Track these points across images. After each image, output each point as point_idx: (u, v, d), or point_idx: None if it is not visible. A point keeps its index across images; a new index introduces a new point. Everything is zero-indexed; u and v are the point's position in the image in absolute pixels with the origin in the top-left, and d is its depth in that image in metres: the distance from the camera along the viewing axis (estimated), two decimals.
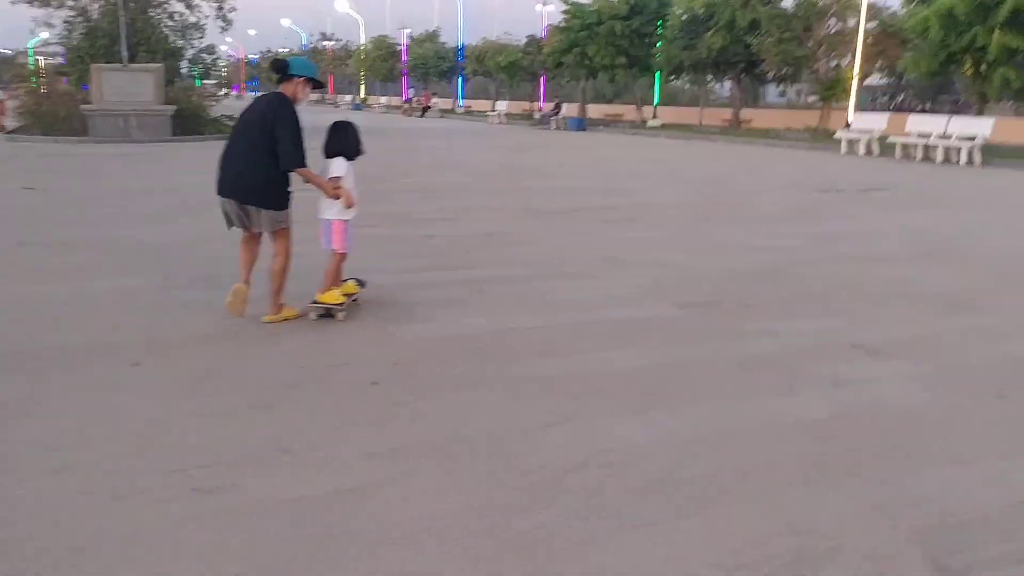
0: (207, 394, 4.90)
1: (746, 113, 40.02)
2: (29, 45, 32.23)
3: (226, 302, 6.23)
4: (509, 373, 5.35)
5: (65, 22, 31.24)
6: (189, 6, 33.37)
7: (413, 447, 4.22)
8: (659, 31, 38.97)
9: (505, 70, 53.25)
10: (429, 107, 56.32)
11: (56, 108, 28.20)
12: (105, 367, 5.33)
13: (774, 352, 5.87)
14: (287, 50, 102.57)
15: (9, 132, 28.15)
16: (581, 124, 40.47)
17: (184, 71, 31.14)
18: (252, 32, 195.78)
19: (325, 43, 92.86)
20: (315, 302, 6.44)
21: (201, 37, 34.39)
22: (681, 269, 8.65)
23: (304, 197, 6.59)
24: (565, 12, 41.67)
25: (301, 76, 6.19)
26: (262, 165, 6.02)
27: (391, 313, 6.71)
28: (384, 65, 73.15)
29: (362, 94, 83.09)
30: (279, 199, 6.18)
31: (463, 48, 61.81)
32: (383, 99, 71.23)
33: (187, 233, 10.16)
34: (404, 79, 71.05)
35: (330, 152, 6.38)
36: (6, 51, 77.63)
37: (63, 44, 31.06)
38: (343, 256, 6.54)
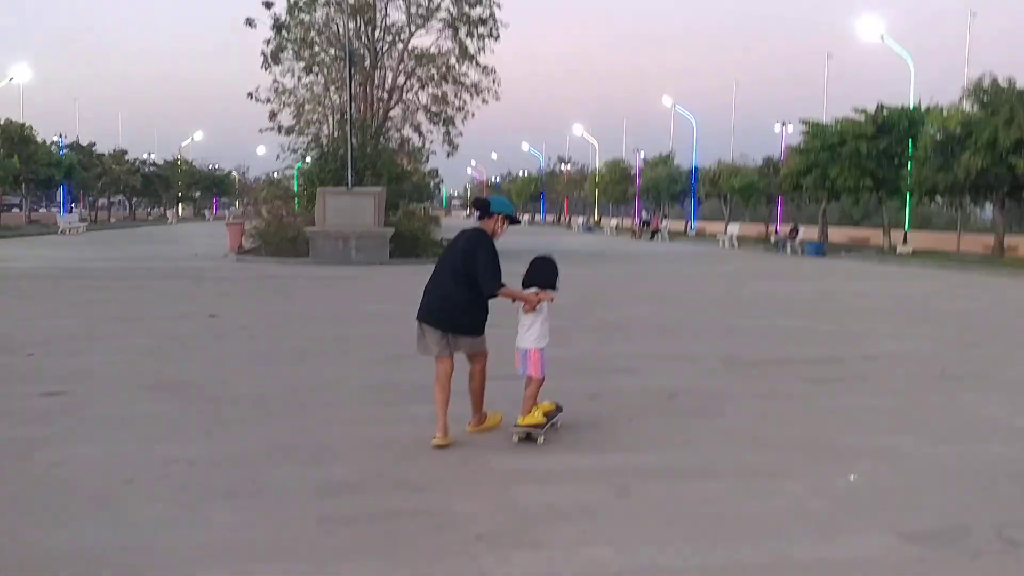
0: None
1: (1011, 240, 35.60)
2: (297, 166, 33.73)
3: (434, 444, 6.58)
4: None
5: (293, 149, 32.63)
6: (419, 132, 34.08)
7: None
8: (909, 152, 35.71)
9: (739, 192, 51.14)
10: (658, 230, 54.91)
11: (284, 231, 29.05)
12: None
13: None
14: (525, 173, 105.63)
15: (240, 253, 29.23)
16: (820, 249, 37.49)
17: (409, 194, 31.41)
18: (494, 156, 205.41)
19: (562, 166, 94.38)
20: (517, 425, 6.79)
21: (425, 161, 34.94)
22: (912, 465, 6.37)
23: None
24: (805, 132, 39.32)
25: (500, 213, 6.89)
26: (463, 295, 6.66)
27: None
28: (617, 188, 72.91)
29: (595, 216, 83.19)
30: (476, 325, 6.83)
31: (696, 170, 60.35)
32: (613, 221, 70.60)
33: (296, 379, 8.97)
34: (636, 201, 70.35)
35: (527, 284, 6.88)
36: (258, 175, 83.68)
37: (298, 170, 32.32)
38: (541, 381, 6.92)
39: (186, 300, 16.67)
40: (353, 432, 7.04)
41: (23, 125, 53.43)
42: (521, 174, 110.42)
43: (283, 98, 34.49)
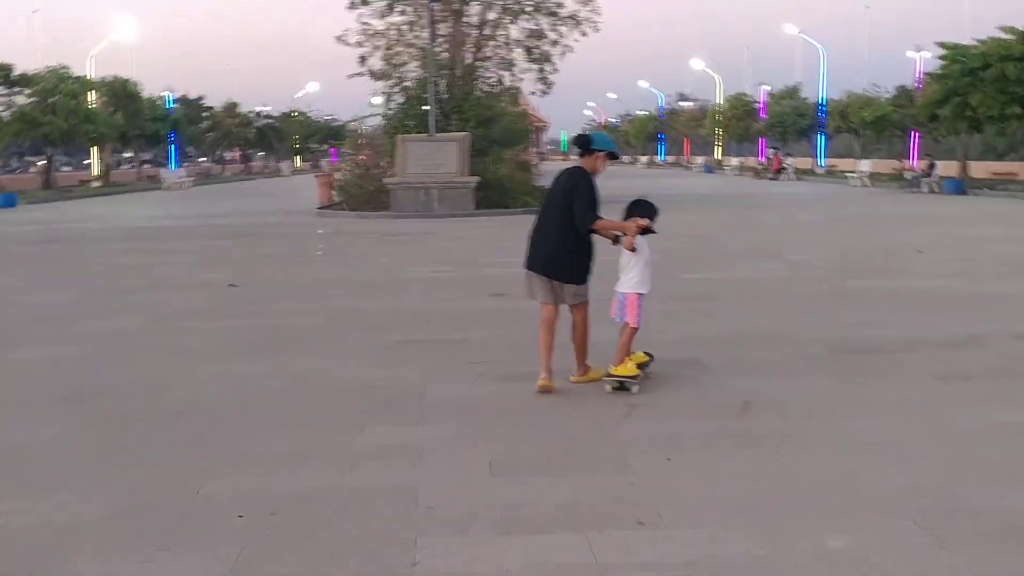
0: None
1: None
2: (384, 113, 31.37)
3: (539, 386, 6.49)
4: None
5: (383, 93, 30.58)
6: (510, 70, 31.58)
7: None
8: None
9: (871, 125, 46.73)
10: (783, 168, 50.98)
11: (366, 183, 27.24)
12: None
13: None
14: (645, 112, 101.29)
15: (321, 207, 27.60)
16: (960, 187, 33.40)
17: (500, 139, 28.90)
18: (612, 96, 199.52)
19: (682, 104, 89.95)
20: (610, 374, 6.53)
21: (514, 101, 32.36)
22: None
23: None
24: (942, 57, 34.96)
25: (601, 151, 6.68)
26: (567, 241, 6.47)
27: None
28: (740, 124, 68.46)
29: (717, 155, 79.02)
30: (580, 273, 6.61)
31: (824, 103, 55.82)
32: (735, 160, 66.50)
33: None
34: (761, 139, 66.05)
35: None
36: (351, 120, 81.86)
37: (383, 116, 30.30)
38: (635, 330, 6.61)
39: (221, 264, 14.95)
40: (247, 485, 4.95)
41: (127, 81, 53.38)
42: (639, 114, 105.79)
43: (373, 41, 32.57)
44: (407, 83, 30.03)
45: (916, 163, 43.45)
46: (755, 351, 7.91)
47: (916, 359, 7.59)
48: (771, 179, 50.12)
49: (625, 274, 6.64)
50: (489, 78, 32.24)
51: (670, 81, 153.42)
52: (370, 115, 33.02)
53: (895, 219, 22.77)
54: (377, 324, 9.45)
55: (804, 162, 59.77)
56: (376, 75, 31.96)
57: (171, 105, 63.27)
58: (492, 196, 26.03)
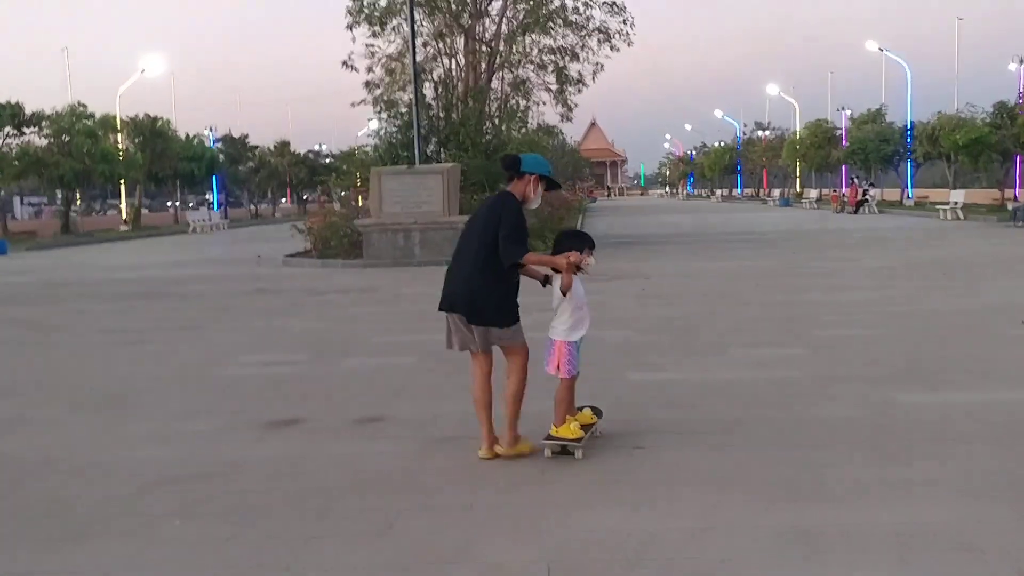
0: None
1: None
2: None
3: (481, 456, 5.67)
4: None
5: (376, 116, 26.58)
6: (523, 89, 27.15)
7: None
8: None
9: (965, 150, 40.67)
10: (865, 200, 45.17)
11: (336, 227, 23.04)
12: None
13: None
14: (721, 144, 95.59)
15: (288, 255, 23.44)
16: None
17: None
18: (688, 127, 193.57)
19: (759, 133, 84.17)
20: (550, 437, 5.67)
21: (523, 127, 27.73)
22: None
23: None
24: None
25: (533, 173, 5.70)
26: (487, 277, 5.49)
27: None
28: (819, 152, 62.44)
29: (797, 187, 73.03)
30: (504, 314, 5.60)
31: (911, 127, 49.88)
32: (813, 193, 60.47)
33: None
34: (842, 168, 60.08)
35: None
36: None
37: (374, 148, 26.24)
38: (572, 381, 5.78)
39: (73, 351, 10.74)
40: None
41: (156, 119, 50.72)
42: (717, 144, 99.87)
43: (378, 63, 28.70)
44: (403, 109, 25.85)
45: (1019, 192, 37.36)
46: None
47: None
48: (851, 213, 44.46)
49: (556, 318, 5.73)
50: (507, 100, 27.94)
51: (748, 110, 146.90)
52: (364, 145, 29.14)
53: (989, 263, 17.46)
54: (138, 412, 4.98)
55: (891, 193, 53.71)
56: (378, 102, 28.04)
57: (213, 144, 60.77)
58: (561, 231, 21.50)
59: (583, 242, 5.76)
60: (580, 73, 28.63)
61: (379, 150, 24.98)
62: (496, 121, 26.00)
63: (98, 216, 56.79)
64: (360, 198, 26.78)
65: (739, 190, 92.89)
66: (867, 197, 45.59)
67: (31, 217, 76.13)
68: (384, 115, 26.24)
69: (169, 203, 68.15)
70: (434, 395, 7.43)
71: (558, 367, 5.73)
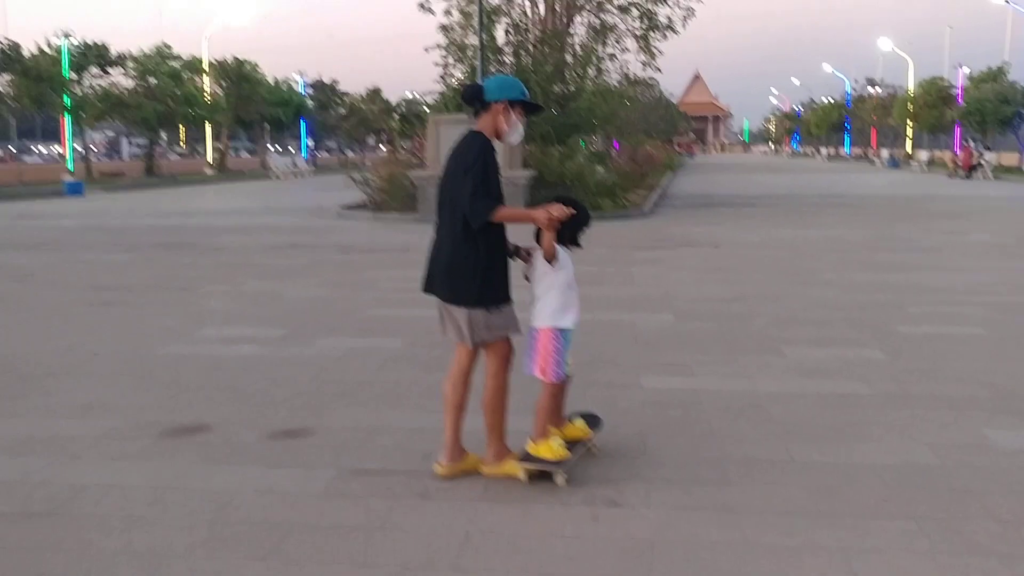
0: None
1: None
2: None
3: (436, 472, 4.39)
4: None
5: (440, 63, 24.98)
6: (600, 35, 25.15)
7: None
8: None
9: None
10: (979, 165, 41.72)
11: (395, 179, 21.72)
12: None
13: None
14: (830, 100, 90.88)
15: (345, 207, 22.24)
16: None
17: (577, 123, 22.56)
18: (796, 81, 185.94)
19: (870, 89, 79.51)
20: (527, 456, 4.36)
21: (599, 75, 25.69)
22: None
23: None
24: None
25: (500, 100, 4.28)
26: (459, 246, 4.18)
27: None
28: (932, 112, 58.34)
29: (908, 148, 68.78)
30: (469, 291, 4.19)
31: None
32: (924, 155, 56.49)
33: None
34: (956, 129, 56.00)
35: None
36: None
37: (441, 94, 24.70)
38: (559, 386, 4.47)
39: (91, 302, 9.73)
40: None
41: (243, 62, 50.22)
42: (824, 101, 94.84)
43: (454, 5, 27.07)
44: (470, 53, 24.25)
45: None
46: None
47: None
48: (963, 178, 41.14)
49: (539, 300, 4.40)
50: (586, 48, 26.01)
51: (859, 65, 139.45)
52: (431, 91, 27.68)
53: None
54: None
55: (1009, 158, 49.74)
56: (451, 46, 26.43)
57: (304, 90, 60.20)
58: (553, 195, 19.92)
59: (576, 218, 4.36)
60: (669, 19, 26.49)
61: (444, 97, 23.48)
62: (573, 71, 24.22)
63: (186, 159, 56.72)
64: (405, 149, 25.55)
65: (847, 149, 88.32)
66: (982, 162, 42.13)
67: (136, 158, 77.36)
68: (451, 60, 24.65)
69: (255, 147, 68.05)
70: (390, 398, 5.99)
71: (538, 363, 4.42)
